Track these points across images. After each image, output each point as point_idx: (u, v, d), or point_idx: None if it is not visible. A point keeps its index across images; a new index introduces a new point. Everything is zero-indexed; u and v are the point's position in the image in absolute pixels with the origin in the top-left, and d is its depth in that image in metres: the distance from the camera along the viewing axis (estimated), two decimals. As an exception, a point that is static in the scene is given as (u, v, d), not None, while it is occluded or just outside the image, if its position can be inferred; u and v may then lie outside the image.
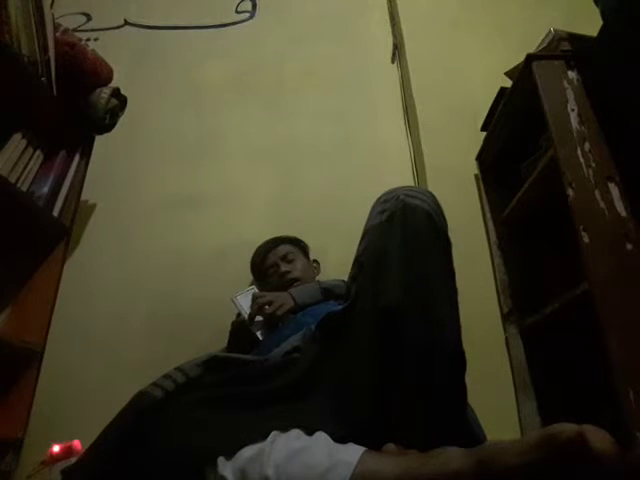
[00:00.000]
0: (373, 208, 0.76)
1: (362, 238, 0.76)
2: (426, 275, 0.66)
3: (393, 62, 1.94)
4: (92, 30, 2.06)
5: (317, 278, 1.36)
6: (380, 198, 0.75)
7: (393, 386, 0.63)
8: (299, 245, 1.38)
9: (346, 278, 0.81)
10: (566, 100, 1.11)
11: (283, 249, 1.33)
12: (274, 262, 1.31)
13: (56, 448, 1.12)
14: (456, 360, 0.65)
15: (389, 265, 0.67)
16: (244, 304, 1.18)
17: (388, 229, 0.69)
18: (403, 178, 1.66)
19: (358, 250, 0.76)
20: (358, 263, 0.74)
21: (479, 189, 1.54)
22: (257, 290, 1.23)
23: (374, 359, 0.65)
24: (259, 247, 1.37)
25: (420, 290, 0.64)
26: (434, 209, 0.71)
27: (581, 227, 0.99)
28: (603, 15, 1.07)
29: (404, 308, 0.63)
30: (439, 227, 0.70)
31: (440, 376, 0.63)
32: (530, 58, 1.17)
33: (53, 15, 1.39)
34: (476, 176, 1.56)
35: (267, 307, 1.12)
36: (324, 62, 1.95)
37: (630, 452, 0.42)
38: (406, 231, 0.68)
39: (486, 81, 1.56)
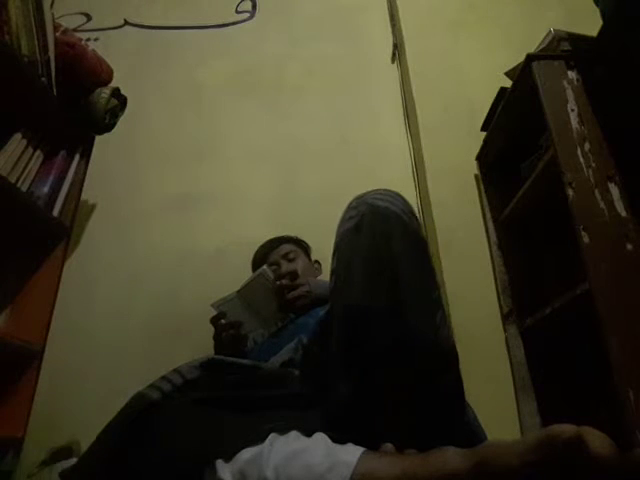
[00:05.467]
0: (343, 215, 0.74)
1: (334, 246, 0.74)
2: (396, 277, 0.64)
3: (393, 62, 1.94)
4: (92, 30, 2.06)
5: (318, 279, 1.36)
6: (350, 204, 0.73)
7: (369, 388, 0.62)
8: (301, 245, 1.38)
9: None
10: (566, 100, 1.11)
11: (285, 248, 1.33)
12: (275, 260, 1.31)
13: (56, 448, 1.12)
14: (432, 361, 0.63)
15: (357, 272, 0.66)
16: (230, 312, 1.18)
17: (356, 235, 0.68)
18: (403, 178, 1.66)
19: (332, 261, 0.73)
20: (334, 274, 0.72)
21: (479, 189, 1.54)
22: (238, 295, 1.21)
23: (346, 364, 0.64)
24: (261, 245, 1.37)
25: (389, 292, 0.63)
26: (403, 210, 0.69)
27: (581, 227, 0.99)
28: (603, 15, 1.07)
29: (372, 312, 0.62)
30: (410, 227, 0.69)
31: (412, 377, 0.61)
32: (530, 58, 1.17)
33: (53, 15, 1.39)
34: (476, 176, 1.56)
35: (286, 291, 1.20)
36: (324, 62, 1.95)
37: (630, 452, 0.42)
38: (374, 235, 0.66)
39: (486, 81, 1.56)
